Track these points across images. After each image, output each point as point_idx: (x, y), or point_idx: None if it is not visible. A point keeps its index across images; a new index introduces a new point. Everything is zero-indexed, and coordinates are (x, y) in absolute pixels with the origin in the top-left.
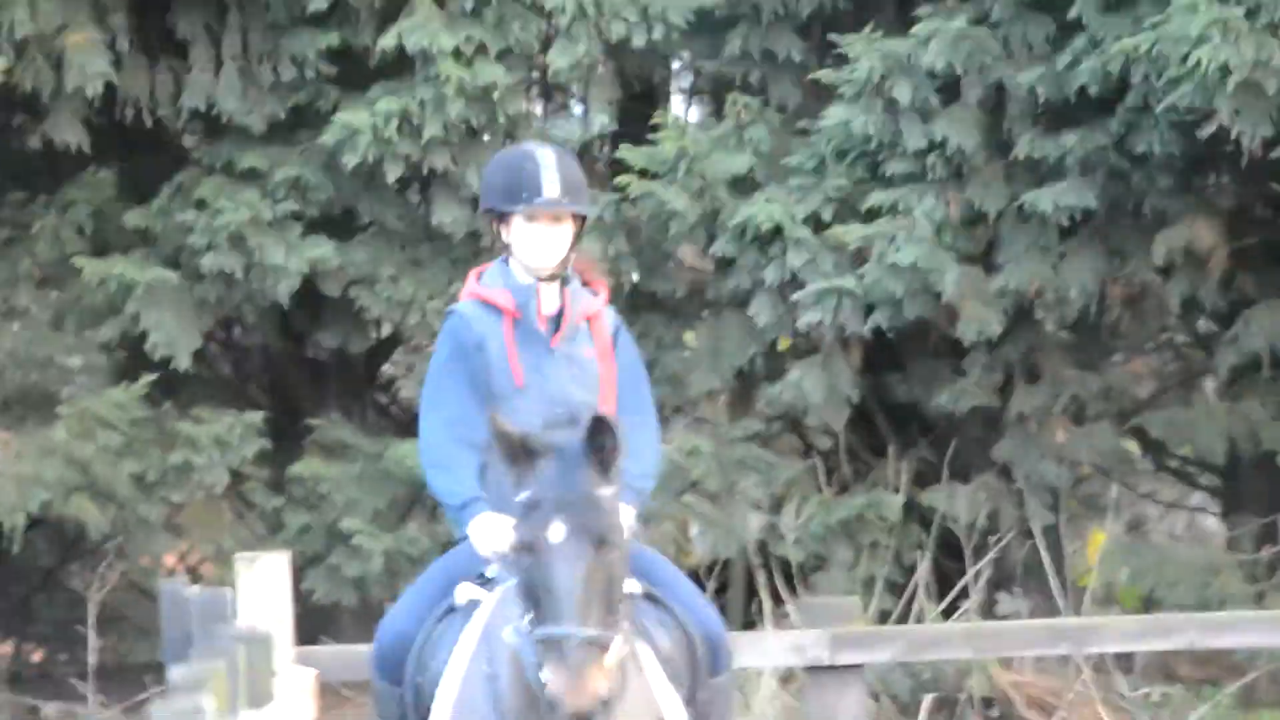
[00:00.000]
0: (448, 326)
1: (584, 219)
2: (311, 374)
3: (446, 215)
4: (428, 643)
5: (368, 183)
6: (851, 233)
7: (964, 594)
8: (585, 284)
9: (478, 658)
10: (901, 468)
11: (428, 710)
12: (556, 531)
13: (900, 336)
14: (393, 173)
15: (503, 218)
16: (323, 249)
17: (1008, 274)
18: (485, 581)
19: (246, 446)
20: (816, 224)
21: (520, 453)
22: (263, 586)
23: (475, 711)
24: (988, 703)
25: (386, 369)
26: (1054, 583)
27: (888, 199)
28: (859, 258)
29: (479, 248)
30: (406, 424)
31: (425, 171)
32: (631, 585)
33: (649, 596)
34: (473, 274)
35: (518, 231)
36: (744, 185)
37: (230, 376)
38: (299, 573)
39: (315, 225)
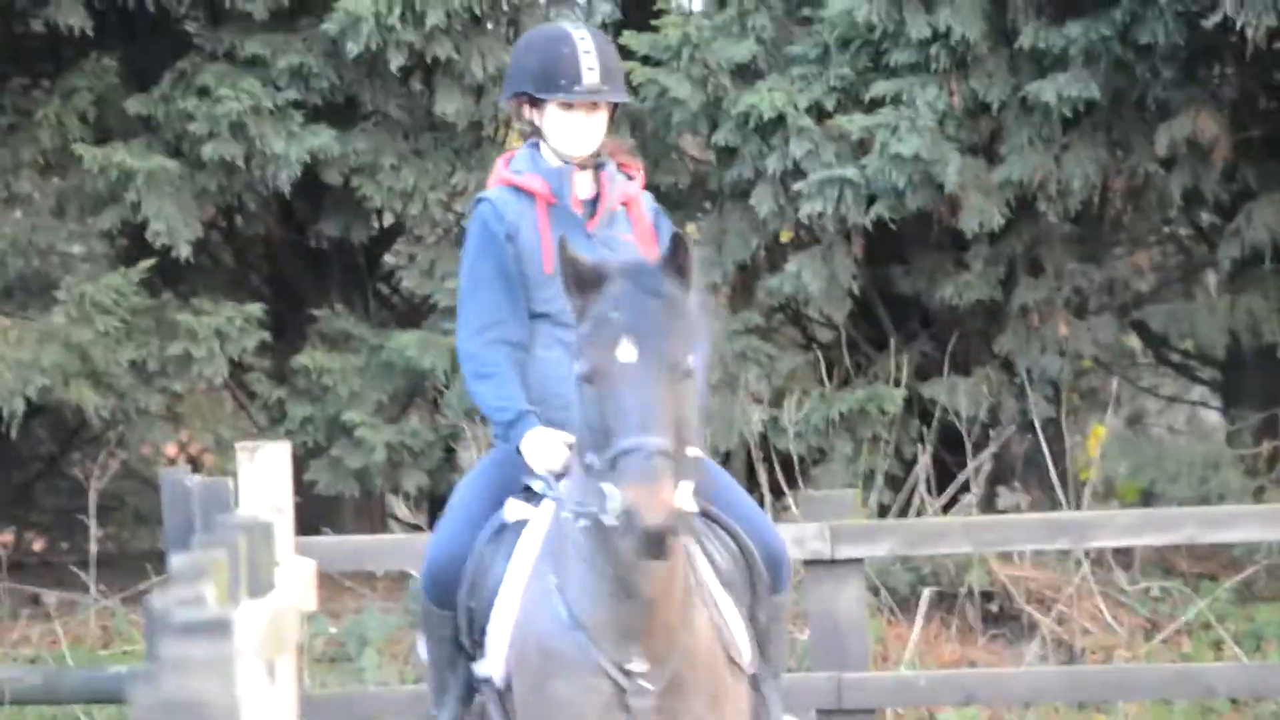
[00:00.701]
0: (477, 215)
1: (617, 105)
2: (313, 264)
3: (449, 104)
4: (480, 564)
5: (370, 71)
6: (854, 122)
7: (964, 488)
8: (620, 168)
9: (538, 574)
10: (902, 361)
11: (483, 633)
12: (626, 352)
13: (902, 228)
14: (395, 61)
15: (535, 103)
16: (324, 138)
17: (1010, 165)
18: (533, 496)
19: (247, 337)
20: (819, 113)
21: (590, 280)
22: (264, 477)
23: (540, 630)
24: (987, 596)
25: (388, 259)
26: (1054, 477)
27: (891, 89)
28: (861, 148)
29: (480, 137)
30: (408, 314)
31: (428, 60)
32: (688, 501)
33: (705, 514)
34: (500, 160)
35: (552, 118)
36: (747, 74)
37: (231, 266)
38: (300, 464)
39: (317, 114)
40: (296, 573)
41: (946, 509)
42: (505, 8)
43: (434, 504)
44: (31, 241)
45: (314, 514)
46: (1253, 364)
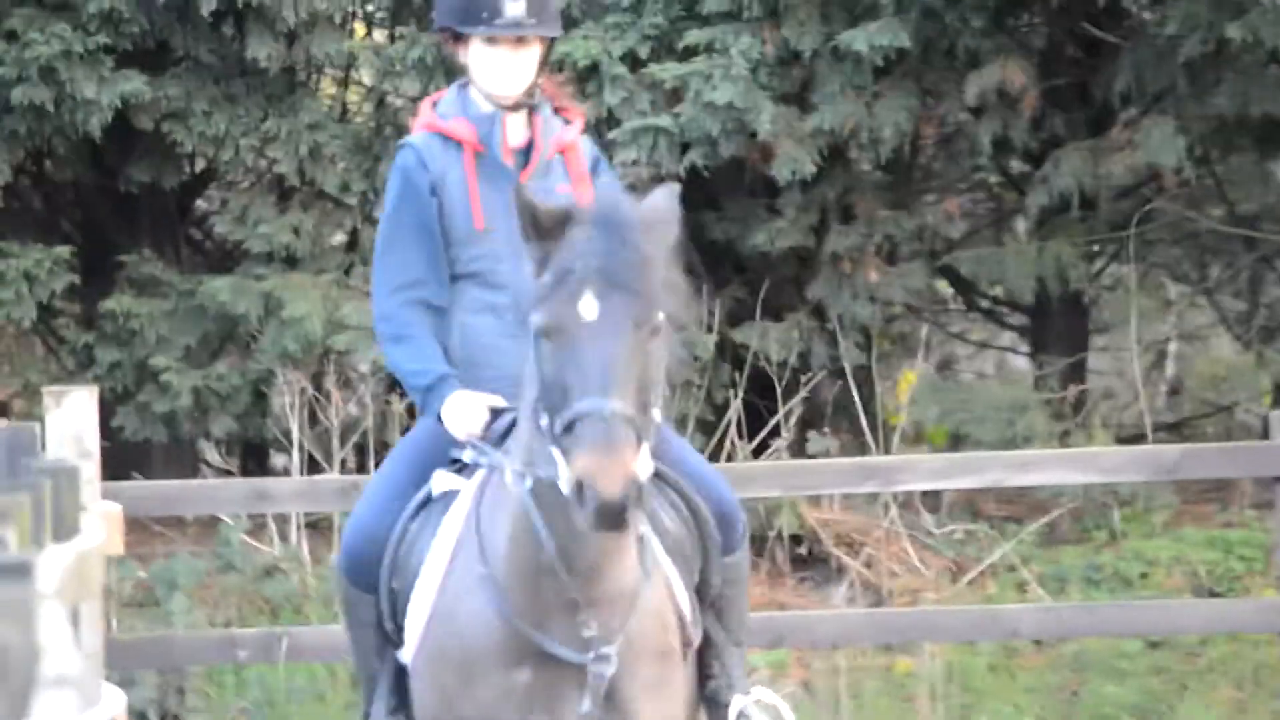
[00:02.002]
0: (399, 164)
1: (551, 40)
2: (123, 209)
3: (261, 49)
4: (402, 542)
5: (181, 15)
6: (668, 71)
7: (775, 432)
8: (557, 111)
9: (464, 556)
10: (714, 306)
11: (404, 613)
12: (589, 307)
13: (715, 175)
14: (206, 6)
15: (459, 38)
16: (135, 83)
17: (822, 113)
18: (461, 468)
19: (55, 281)
20: (633, 62)
21: (553, 224)
22: (71, 421)
23: (468, 609)
24: (796, 540)
25: (200, 204)
26: (863, 421)
27: (704, 37)
28: (675, 96)
29: (293, 83)
30: (220, 259)
31: (240, 4)
32: (647, 469)
33: (654, 474)
34: (426, 103)
35: (476, 55)
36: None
37: (40, 210)
38: (109, 409)
39: (128, 59)
40: (102, 517)
41: (757, 453)
42: None
43: (244, 449)
44: None
45: (123, 459)
46: (1059, 310)
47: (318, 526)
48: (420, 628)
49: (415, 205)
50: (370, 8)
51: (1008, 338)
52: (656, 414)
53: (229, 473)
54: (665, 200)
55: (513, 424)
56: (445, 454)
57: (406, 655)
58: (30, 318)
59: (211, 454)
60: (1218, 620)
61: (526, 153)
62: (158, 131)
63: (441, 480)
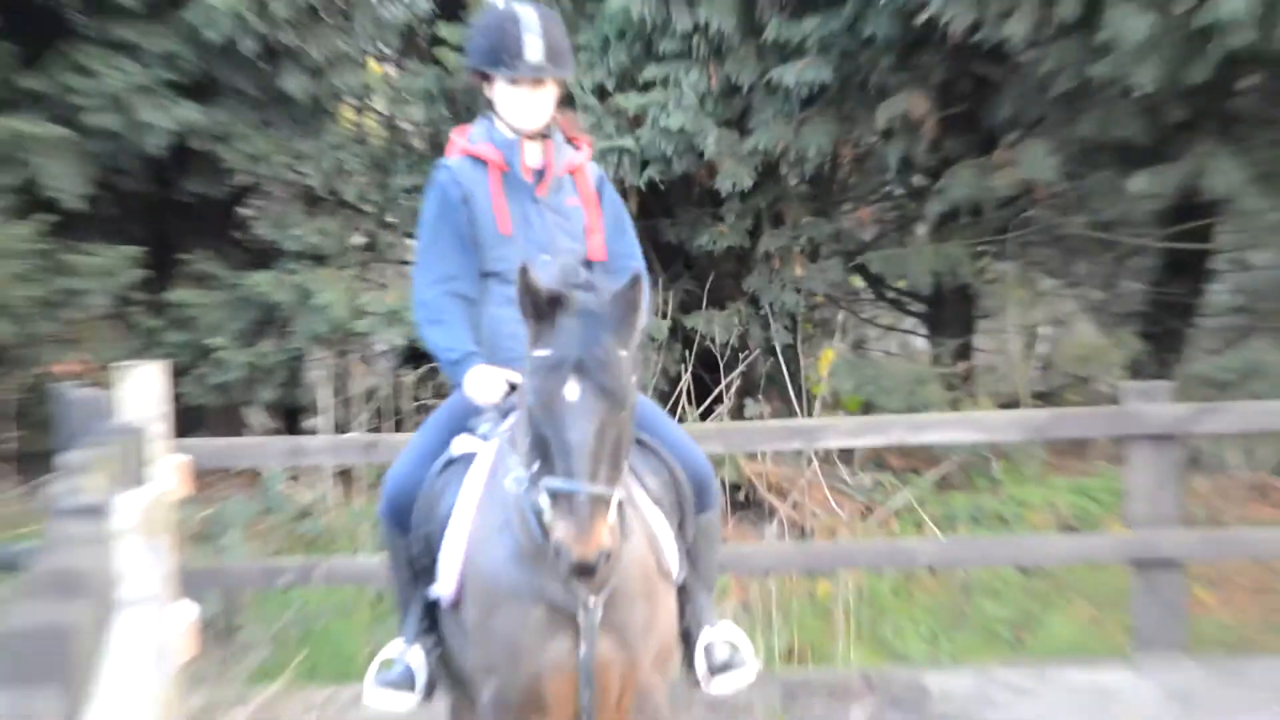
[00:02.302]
0: (437, 181)
1: (565, 80)
2: (181, 216)
3: (292, 83)
4: (431, 493)
5: (226, 55)
6: (630, 100)
7: (718, 400)
8: (568, 140)
9: (487, 508)
10: (669, 297)
11: (435, 554)
12: (572, 390)
13: (669, 188)
14: (248, 46)
15: (486, 77)
16: (190, 111)
17: (758, 136)
18: (481, 435)
19: (127, 276)
20: (601, 93)
21: (545, 307)
22: (140, 390)
23: (492, 550)
24: (735, 488)
25: (243, 211)
26: (791, 391)
27: (660, 73)
28: (636, 122)
29: (319, 110)
30: (260, 257)
31: (276, 46)
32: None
33: (638, 441)
34: (456, 132)
35: (501, 93)
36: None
37: (115, 217)
38: (174, 380)
39: (184, 91)
40: (171, 467)
41: (704, 417)
42: (340, 3)
43: (283, 413)
44: None
45: (184, 422)
46: (951, 299)
47: (344, 476)
48: (456, 568)
49: (451, 215)
50: (382, 47)
51: (909, 322)
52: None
53: (272, 432)
54: (635, 289)
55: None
56: (465, 424)
57: (439, 589)
58: (108, 306)
59: (256, 417)
60: (1077, 552)
61: (541, 173)
62: (210, 152)
63: (462, 443)
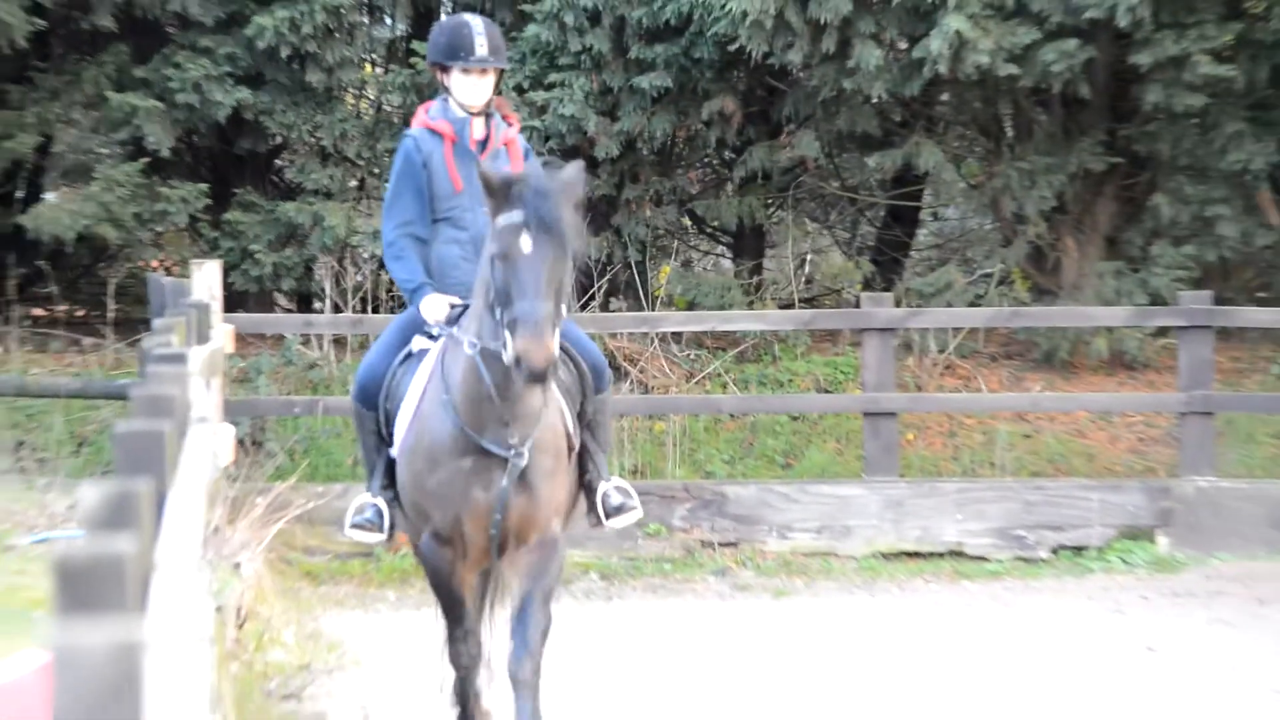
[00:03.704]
0: (403, 148)
1: (503, 70)
2: (237, 164)
3: (313, 77)
4: (393, 378)
5: (269, 56)
6: (538, 96)
7: (592, 298)
8: (503, 118)
9: (433, 388)
10: None
11: (393, 426)
12: (527, 242)
13: (564, 155)
14: (284, 51)
15: (444, 69)
16: (244, 94)
17: (623, 122)
18: (431, 337)
19: (199, 203)
20: (519, 90)
21: (501, 189)
22: (205, 280)
23: (435, 421)
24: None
25: (278, 162)
26: (641, 293)
27: (560, 78)
28: (543, 110)
29: (331, 97)
30: (288, 192)
31: (303, 51)
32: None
33: None
34: (421, 109)
35: (455, 80)
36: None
37: (190, 164)
38: (226, 273)
39: (240, 79)
40: (224, 332)
41: (582, 309)
42: (345, 23)
43: (299, 298)
44: (79, 146)
45: (232, 302)
46: (750, 235)
47: (339, 342)
48: (404, 432)
49: (412, 174)
50: (373, 54)
51: (721, 249)
52: (564, 310)
53: (289, 310)
54: (575, 172)
55: (464, 312)
56: (420, 328)
57: (395, 451)
58: (184, 222)
59: (280, 300)
60: (829, 405)
61: (484, 143)
62: (256, 121)
63: (418, 342)
